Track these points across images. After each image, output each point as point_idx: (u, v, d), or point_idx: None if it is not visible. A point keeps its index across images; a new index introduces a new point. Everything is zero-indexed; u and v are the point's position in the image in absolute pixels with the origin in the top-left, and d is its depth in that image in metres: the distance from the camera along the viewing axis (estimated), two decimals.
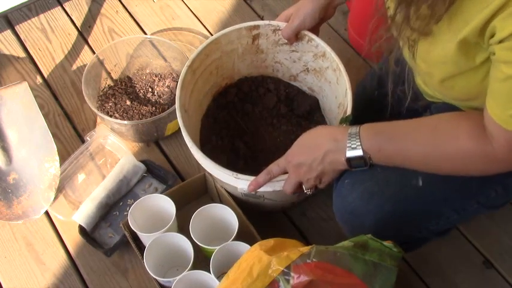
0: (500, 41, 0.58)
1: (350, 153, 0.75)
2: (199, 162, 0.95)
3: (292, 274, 0.74)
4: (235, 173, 0.90)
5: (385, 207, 0.81)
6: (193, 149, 0.94)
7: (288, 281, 0.74)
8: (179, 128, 1.28)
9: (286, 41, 1.04)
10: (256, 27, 1.02)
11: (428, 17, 0.63)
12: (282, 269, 0.75)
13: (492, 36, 0.59)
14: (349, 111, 0.92)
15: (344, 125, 0.91)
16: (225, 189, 1.06)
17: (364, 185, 0.82)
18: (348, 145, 0.75)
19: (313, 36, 1.00)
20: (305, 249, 0.77)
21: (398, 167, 0.77)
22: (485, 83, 0.66)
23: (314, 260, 0.74)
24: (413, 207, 0.82)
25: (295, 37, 1.02)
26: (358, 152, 0.75)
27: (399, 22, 0.67)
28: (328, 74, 1.05)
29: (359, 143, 0.75)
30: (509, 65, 0.59)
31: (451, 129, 0.70)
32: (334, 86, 1.03)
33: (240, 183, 0.91)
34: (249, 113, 1.16)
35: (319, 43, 1.00)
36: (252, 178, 0.89)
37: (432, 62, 0.71)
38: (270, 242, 0.82)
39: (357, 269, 0.75)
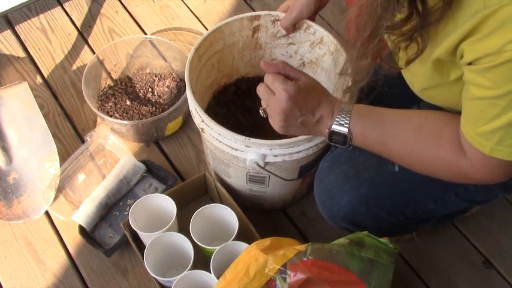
0: (469, 63, 0.59)
1: (335, 128, 0.75)
2: (208, 126, 0.91)
3: (288, 272, 0.74)
4: (247, 138, 0.87)
5: (360, 189, 0.83)
6: (201, 113, 0.91)
7: (284, 279, 0.74)
8: (179, 128, 1.29)
9: (284, 33, 1.06)
10: (257, 17, 1.04)
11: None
12: (279, 267, 0.75)
13: (461, 57, 0.60)
14: (350, 84, 0.93)
15: (347, 94, 0.92)
16: (226, 189, 1.06)
17: (341, 167, 0.84)
18: (336, 119, 0.75)
19: (311, 23, 1.03)
20: (301, 247, 0.77)
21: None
22: (453, 96, 0.68)
23: (310, 257, 0.75)
24: (388, 192, 0.83)
25: (293, 27, 1.03)
26: (344, 130, 0.75)
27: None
28: (325, 60, 1.06)
29: (347, 122, 0.75)
30: (477, 87, 0.60)
31: (434, 136, 0.71)
32: (332, 71, 1.05)
33: (250, 152, 0.89)
34: (249, 109, 1.17)
35: (317, 29, 1.02)
36: (263, 142, 0.87)
37: (413, 72, 0.73)
38: (267, 241, 0.83)
39: (353, 266, 0.75)
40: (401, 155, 0.74)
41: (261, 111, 0.81)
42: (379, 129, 0.75)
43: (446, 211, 0.89)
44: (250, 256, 0.79)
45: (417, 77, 0.73)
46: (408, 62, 0.65)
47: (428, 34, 0.61)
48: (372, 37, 0.65)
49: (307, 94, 0.76)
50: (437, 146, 0.70)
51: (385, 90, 1.03)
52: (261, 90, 0.79)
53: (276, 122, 0.78)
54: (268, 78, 0.78)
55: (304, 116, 0.76)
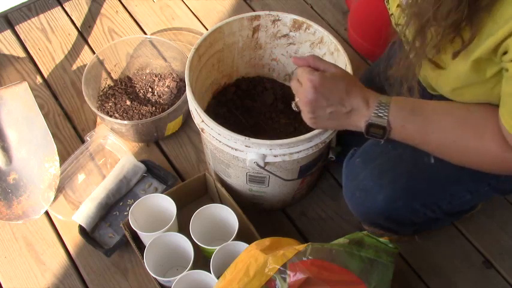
0: None
1: (374, 120, 0.73)
2: (208, 126, 0.91)
3: (288, 272, 0.74)
4: (247, 138, 0.87)
5: (397, 183, 0.81)
6: (201, 113, 0.91)
7: (284, 279, 0.74)
8: (179, 128, 1.29)
9: (284, 33, 1.05)
10: (257, 17, 1.04)
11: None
12: (278, 267, 0.75)
13: (505, 53, 0.60)
14: None
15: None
16: (226, 189, 1.06)
17: (376, 162, 0.82)
18: (374, 111, 0.73)
19: (311, 22, 1.02)
20: (301, 247, 0.77)
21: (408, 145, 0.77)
22: (495, 90, 0.68)
23: (310, 257, 0.75)
24: (426, 185, 0.82)
25: None
26: (383, 122, 0.73)
27: (416, 47, 0.69)
28: None
29: (386, 114, 0.73)
30: None
31: (479, 127, 0.70)
32: None
33: (250, 152, 0.89)
34: (248, 108, 1.17)
35: (317, 29, 1.02)
36: (263, 141, 0.86)
37: (443, 74, 0.72)
38: (266, 241, 0.83)
39: (353, 265, 0.75)
40: (441, 145, 0.74)
41: (293, 105, 0.81)
42: (420, 121, 0.73)
43: (479, 202, 0.87)
44: (250, 256, 0.79)
45: (449, 77, 0.71)
46: (455, 54, 0.64)
47: (477, 22, 0.61)
48: (419, 32, 0.65)
49: (333, 83, 0.74)
50: (481, 137, 0.70)
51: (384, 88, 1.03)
52: (291, 84, 0.80)
53: (305, 114, 0.78)
54: (298, 72, 0.78)
55: (333, 107, 0.75)
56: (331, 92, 0.74)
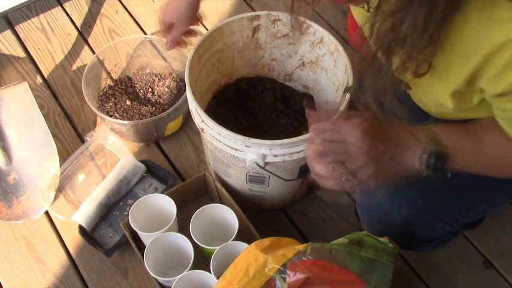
0: (498, 95, 0.58)
1: (431, 149, 0.65)
2: (208, 126, 0.90)
3: (288, 272, 0.74)
4: (247, 138, 0.86)
5: (416, 201, 0.78)
6: (201, 113, 0.91)
7: (284, 279, 0.74)
8: (179, 128, 1.29)
9: (284, 33, 1.05)
10: (257, 17, 1.04)
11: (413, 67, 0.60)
12: (278, 267, 0.75)
13: (482, 91, 0.59)
14: (350, 83, 0.93)
15: (348, 94, 0.90)
16: (225, 189, 1.06)
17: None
18: (425, 140, 0.66)
19: (311, 22, 1.02)
20: (301, 247, 0.77)
21: None
22: (484, 112, 0.66)
23: (310, 257, 0.75)
24: (443, 200, 0.80)
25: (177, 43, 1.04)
26: (441, 147, 0.65)
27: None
28: (325, 60, 1.06)
29: (438, 138, 0.66)
30: None
31: None
32: (332, 71, 1.04)
33: (250, 152, 0.88)
34: (248, 109, 1.17)
35: (317, 29, 1.02)
36: (263, 141, 0.83)
37: (428, 98, 0.69)
38: (266, 241, 0.83)
39: (353, 265, 0.75)
40: (495, 161, 0.69)
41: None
42: (469, 140, 0.68)
43: (494, 210, 0.85)
44: (250, 256, 0.79)
45: (433, 104, 0.69)
46: (418, 75, 0.60)
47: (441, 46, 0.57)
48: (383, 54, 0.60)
49: (378, 122, 0.64)
50: None
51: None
52: (311, 153, 0.65)
53: (364, 174, 0.64)
54: (325, 130, 0.65)
55: (390, 150, 0.65)
56: (383, 131, 0.64)
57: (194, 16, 0.99)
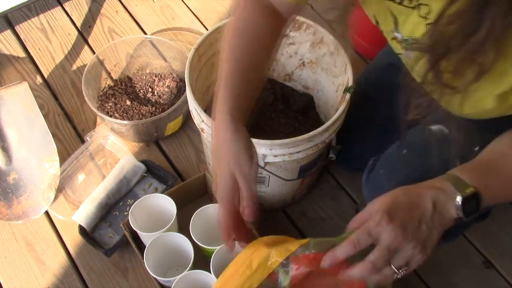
0: None
1: (463, 194, 0.63)
2: (208, 126, 0.89)
3: (291, 266, 0.74)
4: None
5: None
6: (201, 113, 0.91)
7: (287, 272, 0.74)
8: (179, 128, 1.29)
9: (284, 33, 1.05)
10: None
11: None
12: (281, 260, 0.75)
13: None
14: (350, 83, 0.93)
15: (348, 94, 0.89)
16: None
17: (402, 172, 0.78)
18: (452, 188, 0.63)
19: (311, 22, 1.02)
20: (304, 241, 0.77)
21: (433, 151, 0.73)
22: None
23: (313, 251, 0.75)
24: None
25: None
26: (470, 190, 0.63)
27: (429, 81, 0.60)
28: (325, 60, 1.06)
29: (465, 184, 0.64)
30: None
31: None
32: (331, 71, 1.05)
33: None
34: None
35: (316, 29, 1.02)
36: (263, 141, 0.83)
37: (468, 100, 0.66)
38: (269, 238, 0.83)
39: (355, 261, 0.75)
40: None
41: (398, 275, 0.63)
42: (493, 173, 0.67)
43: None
44: (253, 250, 0.79)
45: (474, 103, 0.67)
46: (477, 77, 0.57)
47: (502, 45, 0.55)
48: (433, 65, 0.58)
49: (395, 199, 0.63)
50: None
51: (371, 95, 1.02)
52: (368, 271, 0.62)
53: (415, 261, 0.62)
54: (359, 241, 0.63)
55: (423, 218, 0.62)
56: (408, 201, 0.63)
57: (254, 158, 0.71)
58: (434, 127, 0.82)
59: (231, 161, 0.68)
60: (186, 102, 1.09)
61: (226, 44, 0.76)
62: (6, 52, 1.42)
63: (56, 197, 1.16)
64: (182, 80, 1.32)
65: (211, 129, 0.72)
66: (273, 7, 0.77)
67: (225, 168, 0.69)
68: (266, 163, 0.89)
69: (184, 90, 1.14)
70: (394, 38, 0.73)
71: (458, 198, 0.63)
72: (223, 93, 0.71)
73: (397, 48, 0.74)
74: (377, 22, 0.76)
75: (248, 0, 0.77)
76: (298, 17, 1.03)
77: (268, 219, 1.16)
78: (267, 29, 0.77)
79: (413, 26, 0.67)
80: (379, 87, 1.01)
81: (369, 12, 0.76)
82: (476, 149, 0.74)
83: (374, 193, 0.83)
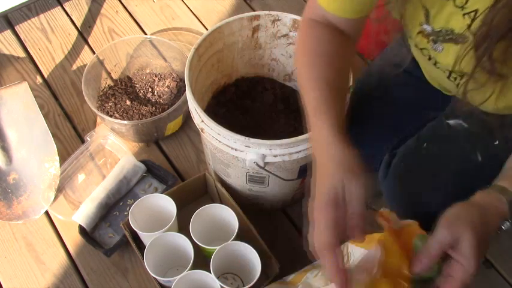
0: None
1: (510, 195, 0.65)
2: (208, 126, 0.90)
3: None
4: (246, 138, 0.86)
5: (449, 187, 0.78)
6: (201, 113, 0.91)
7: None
8: (179, 128, 1.29)
9: (284, 33, 1.05)
10: (257, 17, 1.04)
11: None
12: None
13: None
14: (351, 83, 0.93)
15: (348, 94, 0.89)
16: (225, 189, 1.06)
17: (422, 166, 0.79)
18: (501, 195, 0.66)
19: None
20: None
21: (454, 143, 0.73)
22: None
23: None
24: (475, 184, 0.76)
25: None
26: None
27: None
28: None
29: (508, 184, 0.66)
30: None
31: None
32: None
33: (250, 152, 0.88)
34: (248, 109, 1.17)
35: None
36: (263, 141, 0.84)
37: (504, 95, 0.66)
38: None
39: None
40: None
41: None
42: None
43: None
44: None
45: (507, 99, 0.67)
46: None
47: None
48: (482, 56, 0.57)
49: (480, 230, 0.62)
50: None
51: (371, 95, 1.02)
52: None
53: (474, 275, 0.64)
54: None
55: (483, 228, 0.63)
56: (486, 242, 0.64)
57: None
58: (452, 121, 0.82)
59: (346, 173, 0.62)
60: (186, 102, 1.09)
61: (305, 70, 0.73)
62: (6, 52, 1.42)
63: (56, 197, 1.16)
64: (182, 80, 1.32)
65: (315, 170, 0.66)
66: (335, 26, 0.75)
67: (334, 183, 0.63)
68: (266, 163, 0.89)
69: (184, 90, 1.14)
70: (421, 32, 0.71)
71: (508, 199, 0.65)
72: (322, 122, 0.67)
73: (422, 42, 0.73)
74: (401, 16, 0.75)
75: (311, 24, 0.75)
76: (298, 17, 1.03)
77: (268, 219, 1.16)
78: (339, 50, 0.75)
79: (447, 16, 0.66)
80: (380, 87, 1.01)
81: (396, 6, 0.74)
82: (496, 142, 0.74)
83: (394, 185, 0.82)
